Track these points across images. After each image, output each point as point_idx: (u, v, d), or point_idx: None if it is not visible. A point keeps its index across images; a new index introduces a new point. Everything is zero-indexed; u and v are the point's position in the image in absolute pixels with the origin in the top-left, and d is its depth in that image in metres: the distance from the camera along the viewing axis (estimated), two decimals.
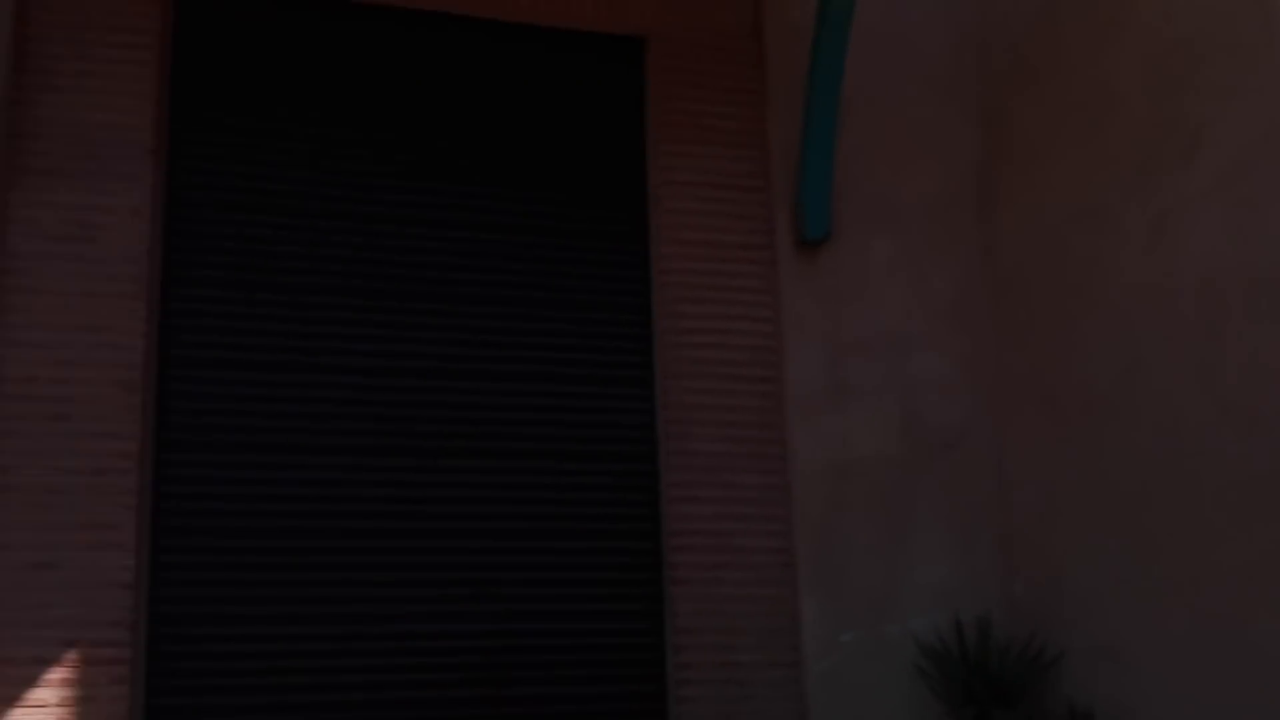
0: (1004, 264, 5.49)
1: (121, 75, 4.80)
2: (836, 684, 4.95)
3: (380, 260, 5.06)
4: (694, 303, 5.25)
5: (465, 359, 5.07)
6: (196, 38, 5.07)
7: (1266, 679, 3.96)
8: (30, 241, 4.59)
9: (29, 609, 4.27)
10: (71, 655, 4.27)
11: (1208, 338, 4.26)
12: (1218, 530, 4.19)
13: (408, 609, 4.80)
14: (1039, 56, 5.32)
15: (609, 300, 5.30)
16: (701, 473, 5.08)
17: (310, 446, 4.82)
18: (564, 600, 4.97)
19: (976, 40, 5.80)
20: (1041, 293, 5.23)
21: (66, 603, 4.31)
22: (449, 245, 5.16)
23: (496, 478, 4.99)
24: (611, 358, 5.24)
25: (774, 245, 5.40)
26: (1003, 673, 4.98)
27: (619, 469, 5.15)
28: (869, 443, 5.25)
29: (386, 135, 5.19)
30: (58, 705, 4.24)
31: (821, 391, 5.24)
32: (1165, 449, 4.45)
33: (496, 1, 5.33)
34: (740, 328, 5.28)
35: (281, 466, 4.77)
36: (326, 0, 5.22)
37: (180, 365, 4.75)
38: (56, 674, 4.25)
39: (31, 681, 4.23)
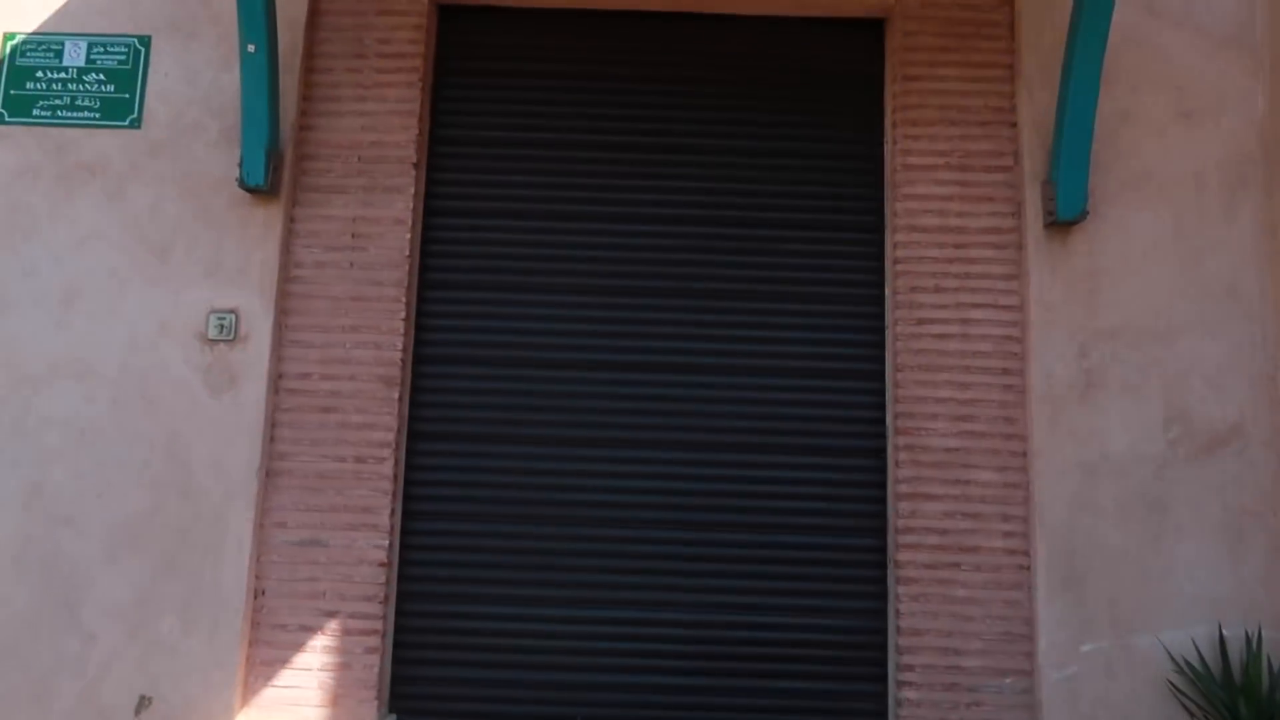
0: None
1: (390, 98, 5.22)
2: (1074, 697, 4.65)
3: (616, 258, 5.25)
4: (931, 292, 5.05)
5: (697, 353, 5.17)
6: (454, 60, 5.44)
7: None
8: (310, 252, 5.10)
9: (298, 581, 4.81)
10: (332, 625, 4.79)
11: None
12: None
13: (633, 596, 5.00)
14: None
15: (841, 292, 5.22)
16: (933, 469, 4.91)
17: (546, 438, 5.11)
18: (786, 595, 4.99)
19: None
20: None
21: (329, 577, 4.81)
22: (685, 242, 5.27)
23: (723, 470, 5.08)
24: (842, 350, 5.17)
25: (1021, 229, 5.09)
26: (1275, 696, 4.53)
27: (847, 463, 5.09)
28: (1123, 439, 4.86)
29: (624, 136, 5.36)
30: (319, 669, 4.76)
31: (1070, 384, 4.90)
32: None
33: None
34: (981, 317, 5.03)
35: (520, 457, 5.09)
36: (565, 14, 5.45)
37: (430, 362, 5.16)
38: (319, 641, 4.78)
39: (298, 647, 4.77)
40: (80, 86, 5.21)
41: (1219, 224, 5.04)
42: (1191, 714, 4.63)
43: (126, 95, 5.20)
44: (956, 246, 5.10)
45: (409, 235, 5.11)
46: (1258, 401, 4.90)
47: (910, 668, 4.79)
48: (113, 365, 4.92)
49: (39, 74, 5.23)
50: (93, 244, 5.03)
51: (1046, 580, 4.76)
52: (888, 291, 5.17)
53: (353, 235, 5.12)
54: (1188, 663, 4.66)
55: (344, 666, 4.77)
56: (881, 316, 5.19)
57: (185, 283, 5.00)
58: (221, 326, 4.94)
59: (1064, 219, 4.93)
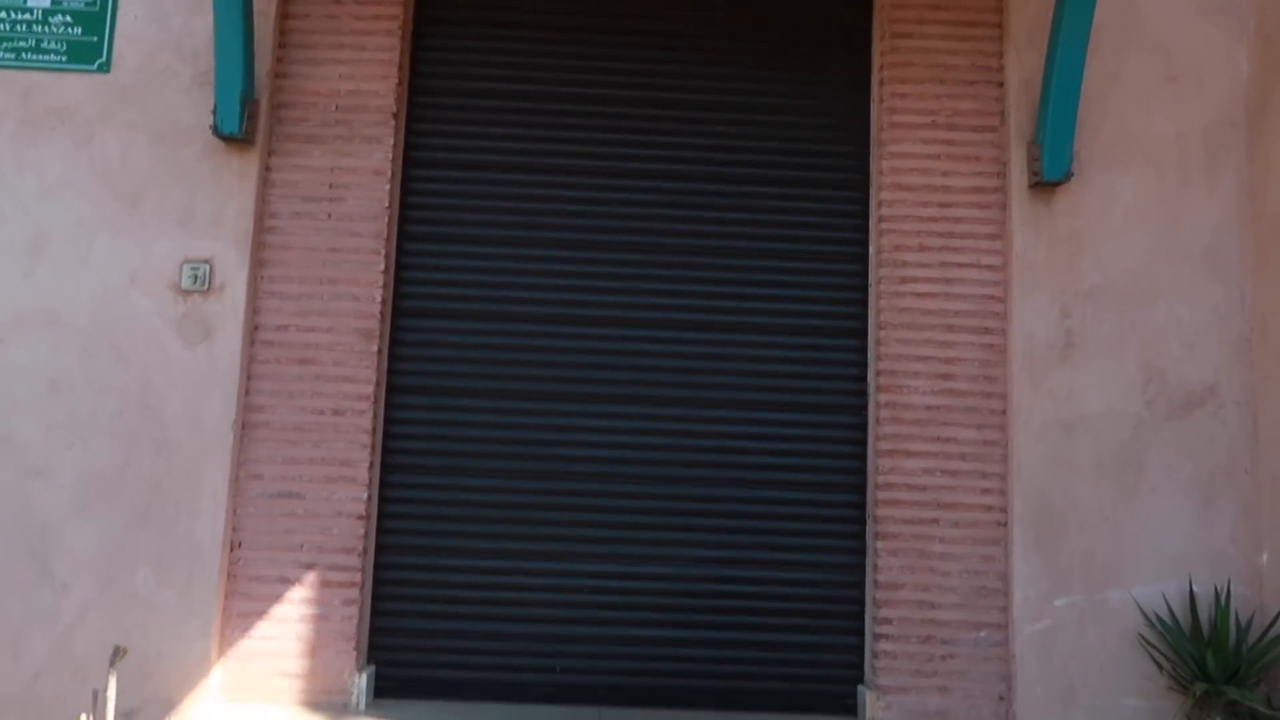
0: (1272, 203, 4.93)
1: (370, 47, 5.12)
2: (1047, 650, 4.72)
3: (598, 212, 5.21)
4: (915, 250, 5.05)
5: (680, 308, 5.15)
6: (435, 8, 5.33)
7: None
8: (287, 202, 5.01)
9: (275, 534, 4.78)
10: (310, 577, 4.76)
11: None
12: None
13: (612, 550, 5.01)
14: None
15: (826, 250, 5.21)
16: (914, 426, 4.93)
17: (526, 393, 5.08)
18: (766, 549, 5.02)
19: None
20: None
21: (307, 530, 4.79)
22: (669, 197, 5.23)
23: (706, 426, 5.08)
24: (825, 308, 5.17)
25: (1005, 189, 5.09)
26: (1241, 649, 4.62)
27: (828, 420, 5.11)
28: (1101, 399, 4.90)
29: (609, 89, 5.30)
30: (297, 621, 4.74)
31: (1050, 343, 4.93)
32: None
33: None
34: (964, 276, 5.04)
35: (499, 411, 5.07)
36: None
37: (409, 315, 5.11)
38: (297, 593, 4.75)
39: (275, 598, 4.74)
40: (46, 28, 5.06)
41: (1200, 188, 5.07)
42: (1161, 666, 4.71)
43: (94, 38, 5.06)
44: (941, 205, 5.09)
45: (388, 186, 5.03)
46: (1233, 363, 4.96)
47: (887, 621, 4.84)
48: (82, 315, 4.82)
49: (2, 15, 5.07)
50: (60, 192, 4.91)
51: (1022, 536, 4.81)
52: (872, 249, 5.17)
53: (330, 186, 5.03)
54: (1158, 617, 4.74)
55: (322, 618, 4.74)
56: (865, 274, 5.19)
57: (157, 232, 4.89)
58: (195, 277, 4.84)
59: (1049, 180, 4.93)
